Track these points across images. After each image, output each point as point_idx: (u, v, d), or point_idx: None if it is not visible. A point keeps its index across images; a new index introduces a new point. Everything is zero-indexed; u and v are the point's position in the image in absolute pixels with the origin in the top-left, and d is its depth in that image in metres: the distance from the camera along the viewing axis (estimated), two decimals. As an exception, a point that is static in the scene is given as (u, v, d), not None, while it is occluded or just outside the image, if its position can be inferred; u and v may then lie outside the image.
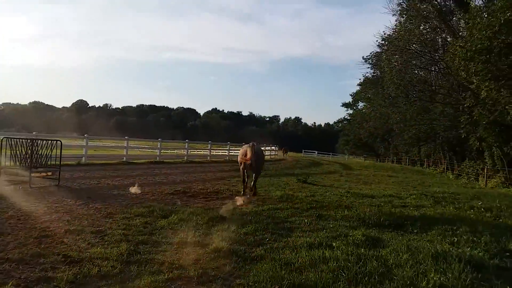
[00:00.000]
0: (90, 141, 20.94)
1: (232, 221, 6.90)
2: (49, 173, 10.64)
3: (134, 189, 9.93)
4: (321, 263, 4.70)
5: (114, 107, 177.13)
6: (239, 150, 32.21)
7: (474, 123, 17.48)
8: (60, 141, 10.73)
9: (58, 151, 10.53)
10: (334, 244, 5.61)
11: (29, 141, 10.06)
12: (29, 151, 9.85)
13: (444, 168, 30.49)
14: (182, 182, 12.81)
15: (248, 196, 9.72)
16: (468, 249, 5.74)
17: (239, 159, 10.37)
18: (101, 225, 6.25)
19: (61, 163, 10.91)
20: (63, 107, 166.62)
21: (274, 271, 4.38)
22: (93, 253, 4.80)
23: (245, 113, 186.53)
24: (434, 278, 4.24)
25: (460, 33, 22.88)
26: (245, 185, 10.38)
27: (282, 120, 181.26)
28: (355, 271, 4.44)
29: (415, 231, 7.00)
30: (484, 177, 19.97)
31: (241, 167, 10.28)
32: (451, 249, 5.48)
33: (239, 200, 8.93)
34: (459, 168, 26.17)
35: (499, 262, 5.16)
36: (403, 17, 28.03)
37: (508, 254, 5.67)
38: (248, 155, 9.55)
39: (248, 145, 9.98)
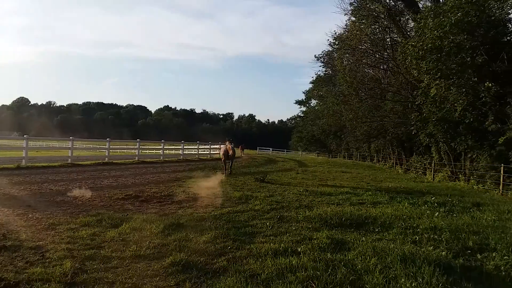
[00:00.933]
0: (32, 142, 19.39)
1: (190, 228, 6.44)
2: (-18, 179, 9.55)
3: (79, 193, 9.14)
4: (289, 273, 4.39)
5: (58, 104, 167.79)
6: (193, 148, 32.01)
7: (424, 120, 18.17)
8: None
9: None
10: (299, 249, 5.34)
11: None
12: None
13: (393, 163, 31.71)
14: (134, 185, 12.04)
15: (228, 172, 15.98)
16: (431, 248, 5.73)
17: (221, 152, 16.32)
18: (42, 238, 5.56)
19: (-4, 167, 9.86)
20: (3, 105, 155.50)
21: (239, 286, 4.01)
22: (32, 273, 4.18)
23: (198, 110, 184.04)
24: (406, 284, 4.09)
25: (409, 33, 23.75)
26: (225, 167, 16.28)
27: (236, 117, 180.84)
28: (325, 281, 4.18)
29: (377, 230, 6.96)
30: (431, 171, 20.87)
31: (222, 157, 16.00)
32: (417, 250, 5.40)
33: (223, 175, 15.27)
34: (408, 163, 27.27)
35: (464, 262, 5.14)
36: (355, 17, 28.65)
37: (469, 251, 5.71)
38: (230, 148, 15.81)
39: (227, 143, 16.20)
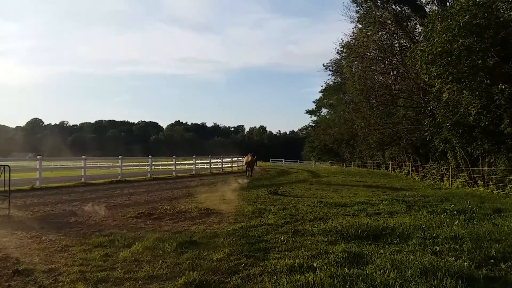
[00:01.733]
0: (45, 162, 19.64)
1: (203, 245, 6.35)
2: (-3, 202, 9.61)
3: (92, 213, 9.14)
4: (306, 291, 4.25)
5: (71, 124, 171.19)
6: (205, 162, 32.52)
7: (438, 125, 17.84)
8: (8, 166, 9.72)
9: (7, 176, 9.53)
10: (315, 264, 5.18)
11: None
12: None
13: (409, 170, 31.14)
14: (147, 203, 12.02)
15: (249, 177, 23.16)
16: (453, 258, 5.51)
17: (244, 161, 25.85)
18: (55, 261, 5.53)
19: (13, 189, 9.94)
20: (17, 126, 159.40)
21: (254, 306, 3.88)
22: (43, 298, 4.13)
23: (209, 124, 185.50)
24: (429, 300, 3.91)
25: (417, 38, 23.53)
26: (247, 173, 24.47)
27: (247, 129, 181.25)
28: (344, 298, 4.03)
29: (395, 241, 6.76)
30: (449, 177, 20.41)
31: (245, 165, 25.03)
32: (438, 262, 5.18)
33: (246, 178, 21.97)
34: (424, 170, 26.75)
35: (487, 272, 4.91)
36: (361, 24, 28.58)
37: (492, 261, 5.47)
38: (250, 158, 24.29)
39: (249, 154, 24.68)
